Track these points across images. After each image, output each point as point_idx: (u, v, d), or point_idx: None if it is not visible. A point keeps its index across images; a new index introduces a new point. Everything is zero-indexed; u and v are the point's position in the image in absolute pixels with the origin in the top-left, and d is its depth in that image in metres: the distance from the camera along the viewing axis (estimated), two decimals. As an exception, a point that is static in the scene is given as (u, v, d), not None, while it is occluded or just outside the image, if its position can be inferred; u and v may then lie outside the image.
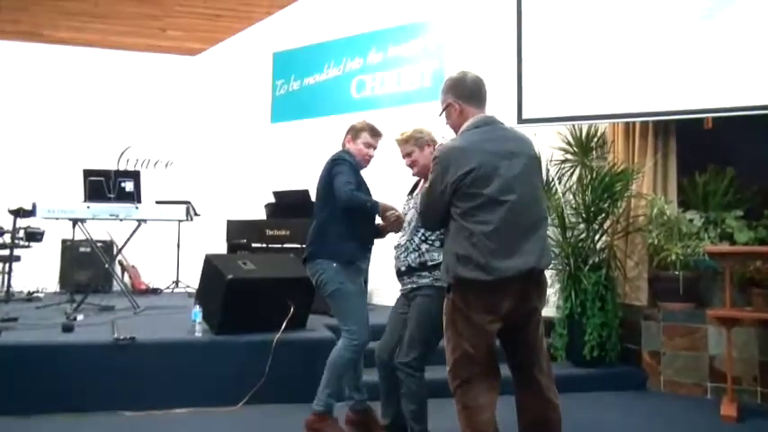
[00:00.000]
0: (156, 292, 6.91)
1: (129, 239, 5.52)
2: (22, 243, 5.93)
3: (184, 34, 7.54)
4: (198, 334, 3.97)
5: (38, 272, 6.53)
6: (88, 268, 6.64)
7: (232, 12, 7.22)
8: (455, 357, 2.38)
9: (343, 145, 3.37)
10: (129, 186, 5.37)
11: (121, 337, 3.74)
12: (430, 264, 2.95)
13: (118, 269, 6.79)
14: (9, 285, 5.87)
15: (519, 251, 2.30)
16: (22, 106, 7.30)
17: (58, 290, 6.71)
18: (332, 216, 3.16)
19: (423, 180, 3.08)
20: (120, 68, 7.64)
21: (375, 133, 3.34)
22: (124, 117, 7.51)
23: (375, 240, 3.31)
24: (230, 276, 3.87)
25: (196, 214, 6.08)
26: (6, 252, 5.91)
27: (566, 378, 4.31)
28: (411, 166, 3.13)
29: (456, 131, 2.58)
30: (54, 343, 3.76)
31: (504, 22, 5.31)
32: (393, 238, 3.21)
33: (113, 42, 7.58)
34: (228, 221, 6.24)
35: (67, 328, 4.05)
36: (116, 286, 6.57)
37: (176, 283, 6.92)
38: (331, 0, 6.86)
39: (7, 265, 5.97)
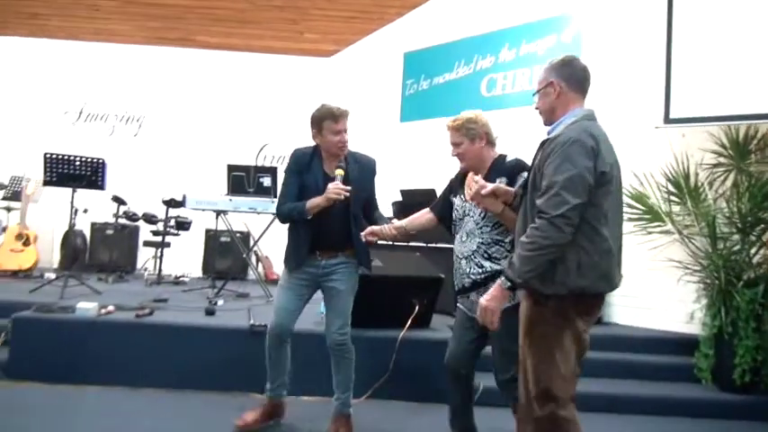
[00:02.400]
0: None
1: (265, 231, 5.84)
2: (172, 231, 6.49)
3: (320, 36, 7.84)
4: (326, 326, 4.10)
5: (184, 258, 7.11)
6: (227, 257, 7.14)
7: (365, 13, 7.38)
8: (562, 374, 2.13)
9: (314, 139, 3.22)
10: (266, 181, 5.68)
11: (256, 324, 3.95)
12: (486, 276, 2.73)
13: (253, 259, 7.21)
14: (160, 269, 6.45)
15: (619, 266, 2.24)
16: (175, 107, 8.00)
17: (201, 275, 7.27)
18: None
19: (470, 173, 2.81)
20: (261, 70, 8.12)
21: (337, 116, 3.11)
22: (263, 116, 7.97)
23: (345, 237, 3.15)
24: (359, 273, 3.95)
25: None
26: (159, 239, 6.51)
27: (711, 403, 3.96)
28: (458, 157, 2.86)
29: (547, 116, 2.35)
30: (198, 325, 4.06)
31: (650, 14, 4.96)
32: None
33: (256, 46, 8.07)
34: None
35: (210, 312, 4.36)
36: (251, 275, 7.00)
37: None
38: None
39: (159, 250, 6.58)
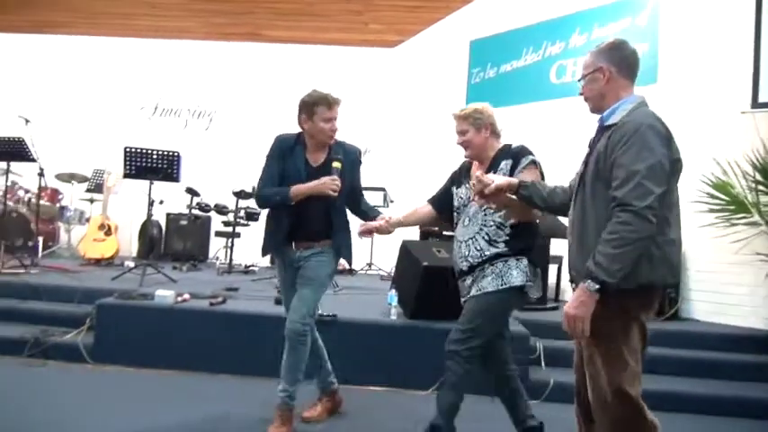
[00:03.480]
0: (351, 272, 7.32)
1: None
2: (242, 222, 6.67)
3: (385, 27, 7.83)
4: (393, 317, 4.12)
5: (254, 247, 7.28)
6: (295, 247, 7.27)
7: (430, 2, 7.31)
8: (634, 371, 2.03)
9: (300, 126, 3.09)
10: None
11: (325, 314, 4.01)
12: (491, 256, 2.73)
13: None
14: (231, 259, 6.65)
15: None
16: (244, 101, 8.20)
17: (269, 265, 7.43)
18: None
19: (475, 164, 2.90)
20: (326, 62, 8.19)
21: (331, 102, 3.03)
22: (328, 108, 8.04)
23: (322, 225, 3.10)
24: (425, 263, 3.94)
25: (391, 201, 6.30)
26: (230, 229, 6.71)
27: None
28: (463, 145, 2.88)
29: (595, 103, 2.21)
30: (269, 314, 4.16)
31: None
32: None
33: (321, 38, 8.15)
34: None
35: (279, 302, 4.44)
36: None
37: (370, 265, 7.27)
38: (532, -17, 6.61)
39: (230, 240, 6.78)
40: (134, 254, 7.39)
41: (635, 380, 2.04)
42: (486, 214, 2.74)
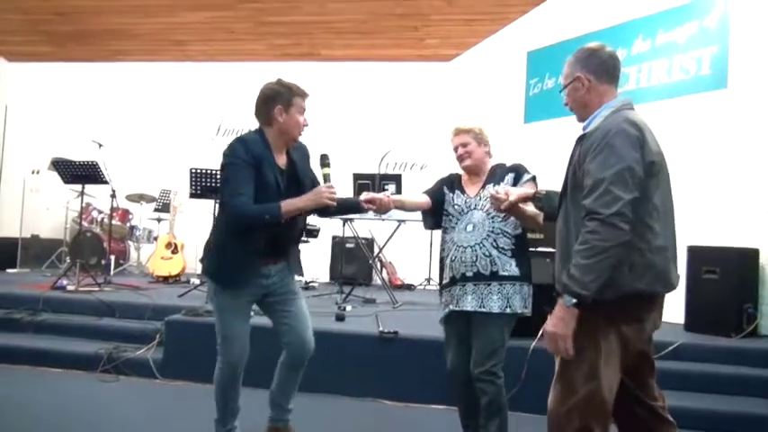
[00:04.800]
0: (409, 288, 7.31)
1: (390, 238, 5.91)
2: (302, 238, 6.76)
3: (441, 41, 7.84)
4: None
5: (313, 264, 7.39)
6: (353, 263, 7.33)
7: (486, 15, 7.27)
8: (603, 386, 1.95)
9: (270, 121, 2.66)
10: (391, 188, 5.75)
11: (386, 331, 3.99)
12: (501, 274, 2.72)
13: (378, 265, 7.33)
14: (299, 266, 6.73)
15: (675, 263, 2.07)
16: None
17: (328, 280, 7.51)
18: (220, 228, 2.71)
19: (466, 177, 2.94)
20: (382, 78, 8.26)
21: (305, 93, 2.73)
22: (385, 123, 8.10)
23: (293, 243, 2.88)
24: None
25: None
26: (290, 245, 6.81)
27: None
28: (464, 155, 2.88)
29: (579, 112, 2.17)
30: (329, 330, 4.18)
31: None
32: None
33: (377, 55, 8.23)
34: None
35: (340, 318, 4.49)
36: (376, 280, 7.12)
37: (428, 280, 7.22)
38: (590, -10, 6.47)
39: (290, 256, 6.88)
40: (199, 271, 7.60)
41: (607, 395, 1.96)
42: (493, 221, 2.77)
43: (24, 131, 8.79)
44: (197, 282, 5.77)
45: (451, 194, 2.93)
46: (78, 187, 6.10)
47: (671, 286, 2.02)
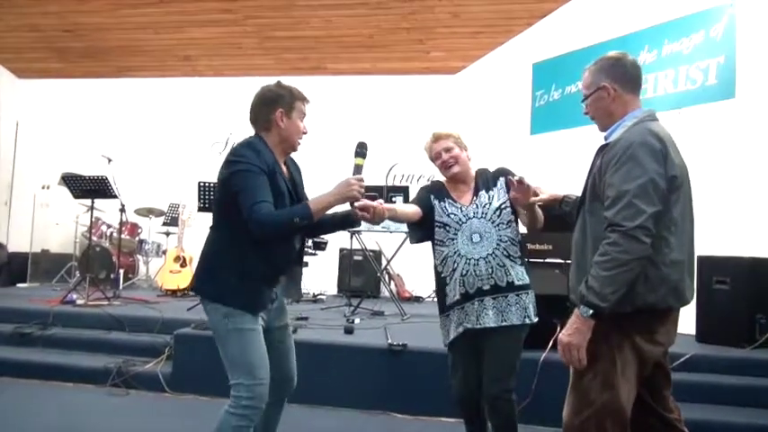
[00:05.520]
0: (418, 300, 7.29)
1: (398, 250, 5.91)
2: (310, 251, 6.78)
3: (446, 54, 7.88)
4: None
5: (321, 276, 7.39)
6: (360, 275, 7.32)
7: (491, 27, 7.31)
8: (620, 397, 1.95)
9: (269, 126, 2.44)
10: (399, 200, 5.75)
11: (395, 343, 3.98)
12: (517, 284, 2.64)
13: (386, 277, 7.32)
14: (299, 288, 6.75)
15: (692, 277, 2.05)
16: (311, 133, 8.40)
17: (336, 293, 7.51)
18: (227, 241, 2.36)
19: (453, 183, 2.79)
20: (388, 91, 8.30)
21: (307, 99, 2.56)
22: (392, 136, 8.12)
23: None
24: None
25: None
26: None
27: None
28: (451, 161, 2.73)
29: (603, 122, 2.15)
30: (338, 343, 4.18)
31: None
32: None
33: (383, 68, 8.29)
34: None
35: (348, 331, 4.48)
36: (384, 293, 7.11)
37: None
38: (595, 3, 6.49)
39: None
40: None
41: (623, 406, 1.95)
42: (500, 229, 2.66)
43: (35, 147, 8.87)
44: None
45: (442, 204, 2.75)
46: (88, 202, 6.15)
47: (685, 300, 2.00)
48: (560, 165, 6.00)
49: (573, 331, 1.93)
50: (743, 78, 5.08)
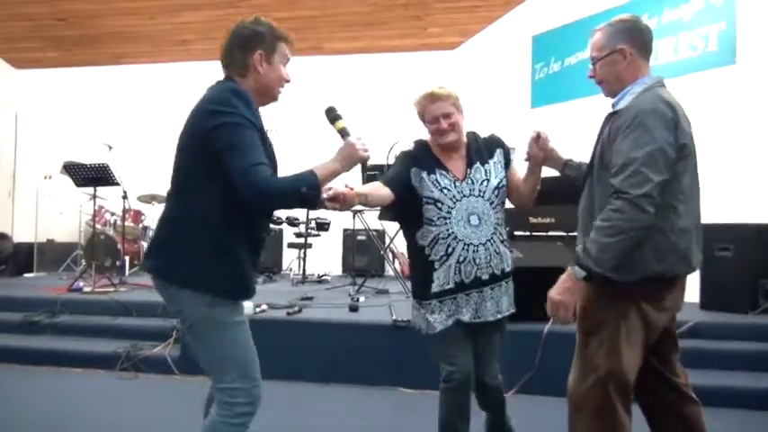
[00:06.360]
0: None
1: (400, 229, 5.90)
2: (313, 232, 6.80)
3: (444, 30, 7.81)
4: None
5: (325, 257, 7.42)
6: (365, 254, 7.35)
7: (489, 1, 7.23)
8: (624, 363, 1.97)
9: (245, 71, 1.99)
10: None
11: (399, 320, 4.01)
12: (507, 271, 2.45)
13: (389, 256, 7.34)
14: (304, 269, 6.78)
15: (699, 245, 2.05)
16: (308, 113, 8.36)
17: (341, 273, 7.55)
18: (198, 211, 1.89)
19: (436, 147, 2.43)
20: (387, 69, 8.25)
21: (291, 40, 2.09)
22: (391, 114, 8.08)
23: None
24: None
25: (459, 203, 6.24)
26: (302, 240, 6.85)
27: None
28: (449, 129, 2.38)
29: (611, 87, 2.08)
30: (345, 321, 4.21)
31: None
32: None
33: (381, 46, 8.23)
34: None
35: (353, 309, 4.52)
36: (388, 271, 7.14)
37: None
38: (593, -29, 6.41)
39: (302, 251, 6.92)
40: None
41: (628, 371, 1.96)
42: (497, 211, 2.40)
43: (35, 138, 8.87)
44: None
45: (433, 176, 2.38)
46: (90, 190, 6.16)
47: (692, 268, 2.00)
48: (561, 137, 5.95)
49: (563, 290, 1.93)
50: (743, 44, 5.03)
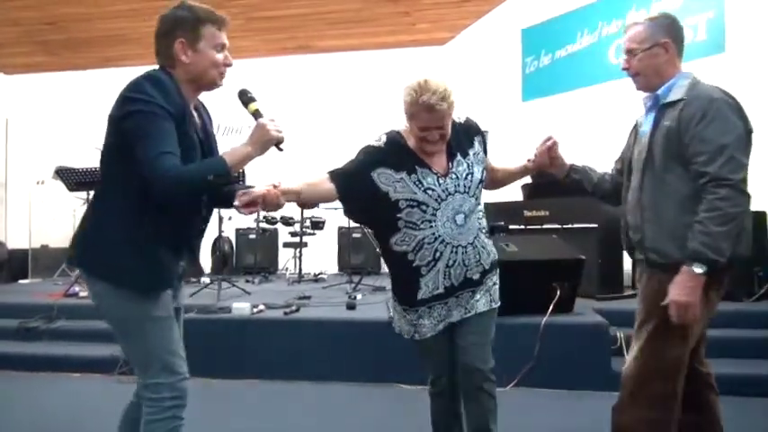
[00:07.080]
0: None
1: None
2: (308, 231, 6.80)
3: (433, 25, 7.81)
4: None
5: (321, 256, 7.42)
6: (360, 252, 7.35)
7: (477, -5, 7.24)
8: (678, 355, 1.99)
9: (171, 62, 1.94)
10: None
11: (396, 315, 4.02)
12: (493, 260, 2.30)
13: (385, 253, 7.36)
14: (300, 268, 6.78)
15: None
16: (298, 112, 8.35)
17: (337, 271, 7.55)
18: (116, 201, 1.85)
19: (412, 141, 2.20)
20: (377, 67, 8.23)
21: (221, 21, 1.97)
22: (381, 112, 8.06)
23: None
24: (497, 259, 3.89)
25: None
26: (297, 239, 6.85)
27: None
28: (437, 140, 2.14)
29: (648, 80, 2.08)
30: (342, 319, 4.22)
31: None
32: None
33: (371, 44, 8.22)
34: (485, 204, 6.27)
35: (351, 307, 4.52)
36: (384, 268, 7.14)
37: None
38: (581, -37, 6.43)
39: (298, 250, 6.92)
40: (208, 270, 7.66)
41: (686, 359, 2.02)
42: (478, 203, 2.25)
43: (26, 143, 8.83)
44: (207, 280, 5.81)
45: (414, 176, 2.14)
46: (83, 194, 6.13)
47: (751, 250, 2.03)
48: (555, 130, 5.97)
49: (689, 291, 1.90)
50: (732, 33, 5.06)
